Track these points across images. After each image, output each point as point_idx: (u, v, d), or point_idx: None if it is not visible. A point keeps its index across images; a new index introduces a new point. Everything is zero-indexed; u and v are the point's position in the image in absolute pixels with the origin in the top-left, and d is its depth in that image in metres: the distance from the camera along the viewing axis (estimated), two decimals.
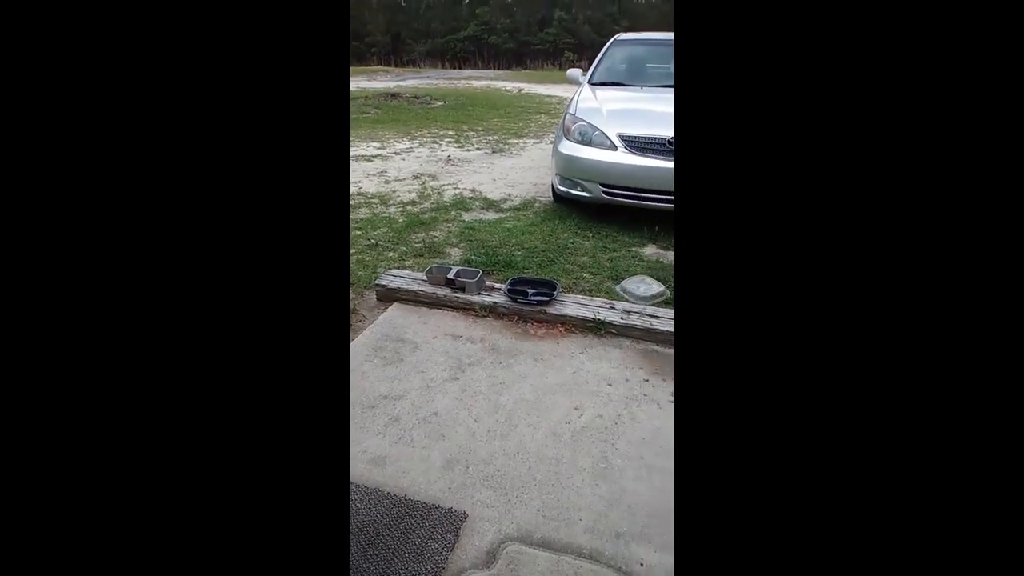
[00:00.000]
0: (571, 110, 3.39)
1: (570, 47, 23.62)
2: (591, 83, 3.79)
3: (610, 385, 1.73)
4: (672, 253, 2.88)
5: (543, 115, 8.35)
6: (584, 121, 3.21)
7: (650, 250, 2.92)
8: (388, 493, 1.29)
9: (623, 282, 2.48)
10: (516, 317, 2.13)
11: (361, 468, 1.37)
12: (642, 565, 1.11)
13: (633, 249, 2.90)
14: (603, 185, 3.09)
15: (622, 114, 3.27)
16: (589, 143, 3.14)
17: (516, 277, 2.32)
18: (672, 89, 3.70)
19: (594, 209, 3.37)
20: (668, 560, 1.11)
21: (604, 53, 4.10)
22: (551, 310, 2.10)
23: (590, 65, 4.16)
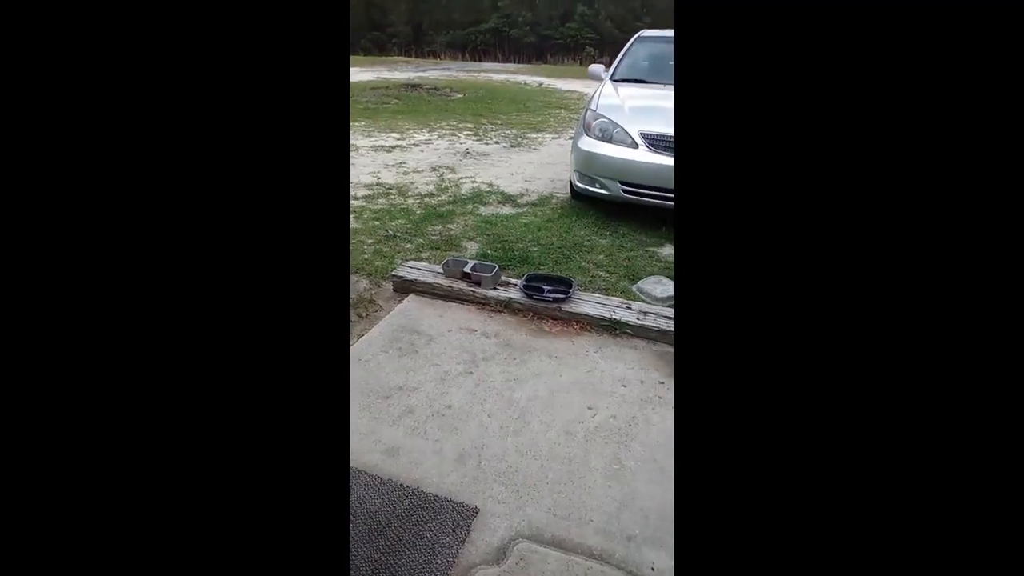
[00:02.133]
0: (592, 106, 3.35)
1: (591, 42, 23.41)
2: (613, 79, 3.75)
3: (624, 386, 1.72)
4: None
5: (562, 110, 8.29)
6: (605, 117, 3.18)
7: (667, 250, 2.89)
8: (401, 484, 1.29)
9: (640, 282, 2.46)
10: (531, 313, 2.12)
11: (375, 458, 1.38)
12: (653, 569, 1.10)
13: (650, 249, 2.87)
14: (622, 183, 3.07)
15: (644, 111, 3.23)
16: (610, 140, 3.11)
17: (532, 273, 2.31)
18: None
19: (612, 207, 3.34)
20: None
21: (627, 49, 4.05)
22: (567, 308, 2.09)
23: (612, 61, 4.11)
